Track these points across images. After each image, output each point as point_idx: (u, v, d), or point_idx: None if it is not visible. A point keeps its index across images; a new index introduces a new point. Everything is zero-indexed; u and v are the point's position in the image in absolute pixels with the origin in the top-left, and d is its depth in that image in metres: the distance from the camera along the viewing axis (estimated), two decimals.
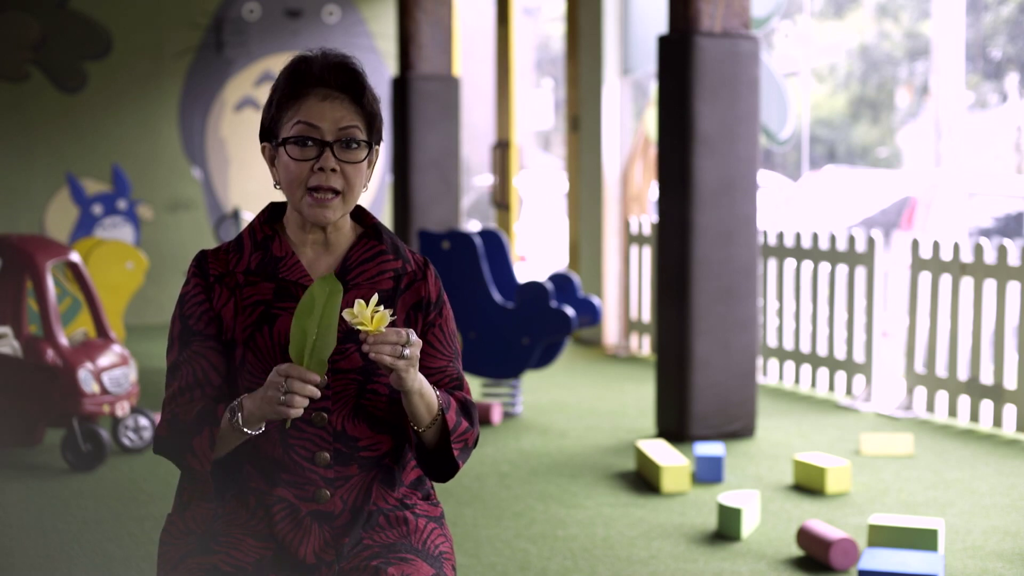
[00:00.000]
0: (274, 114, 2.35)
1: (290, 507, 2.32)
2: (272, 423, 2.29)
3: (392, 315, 2.21)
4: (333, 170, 2.30)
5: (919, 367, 6.87)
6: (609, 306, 9.26)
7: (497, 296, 6.76)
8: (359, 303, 2.19)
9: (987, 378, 6.49)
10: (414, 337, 2.22)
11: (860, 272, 7.22)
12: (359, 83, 2.34)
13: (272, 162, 2.38)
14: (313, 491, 2.33)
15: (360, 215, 2.45)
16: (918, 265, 6.88)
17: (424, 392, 2.28)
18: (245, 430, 2.22)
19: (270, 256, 2.36)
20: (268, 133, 2.37)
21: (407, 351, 2.20)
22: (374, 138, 2.37)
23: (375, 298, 2.20)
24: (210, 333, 2.33)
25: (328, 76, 2.32)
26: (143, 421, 5.93)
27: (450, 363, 2.43)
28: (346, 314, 2.18)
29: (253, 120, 11.01)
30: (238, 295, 2.34)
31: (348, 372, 2.32)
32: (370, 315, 2.18)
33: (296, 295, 2.33)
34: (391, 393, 2.35)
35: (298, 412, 2.17)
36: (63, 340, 5.65)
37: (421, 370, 2.37)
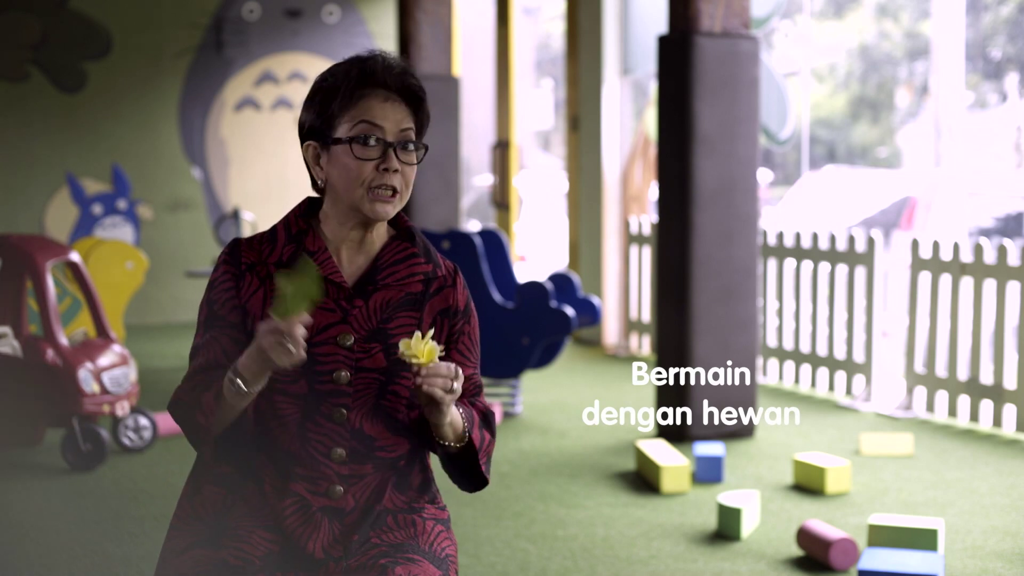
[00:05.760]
0: (333, 112, 2.36)
1: (302, 501, 2.34)
2: (285, 388, 2.31)
3: (441, 350, 2.26)
4: (395, 170, 2.35)
5: (919, 367, 6.87)
6: (609, 306, 9.26)
7: (497, 296, 6.76)
8: (416, 335, 2.24)
9: (987, 378, 6.49)
10: (459, 371, 2.27)
11: (860, 272, 7.22)
12: (417, 88, 2.39)
13: (317, 161, 2.40)
14: (327, 487, 2.35)
15: (395, 217, 2.47)
16: (918, 265, 6.88)
17: (453, 419, 2.35)
18: (249, 390, 2.23)
19: (303, 250, 2.39)
20: (317, 133, 2.38)
21: (456, 384, 2.26)
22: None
23: (431, 332, 2.26)
24: (232, 320, 2.37)
25: (389, 79, 2.36)
26: (143, 421, 5.93)
27: (475, 371, 2.48)
28: (401, 345, 2.24)
29: (253, 120, 11.01)
30: (268, 285, 2.38)
31: (371, 371, 2.35)
32: (424, 348, 2.23)
33: (326, 290, 2.35)
34: (411, 396, 2.38)
35: (302, 355, 2.19)
36: (63, 340, 5.65)
37: None
